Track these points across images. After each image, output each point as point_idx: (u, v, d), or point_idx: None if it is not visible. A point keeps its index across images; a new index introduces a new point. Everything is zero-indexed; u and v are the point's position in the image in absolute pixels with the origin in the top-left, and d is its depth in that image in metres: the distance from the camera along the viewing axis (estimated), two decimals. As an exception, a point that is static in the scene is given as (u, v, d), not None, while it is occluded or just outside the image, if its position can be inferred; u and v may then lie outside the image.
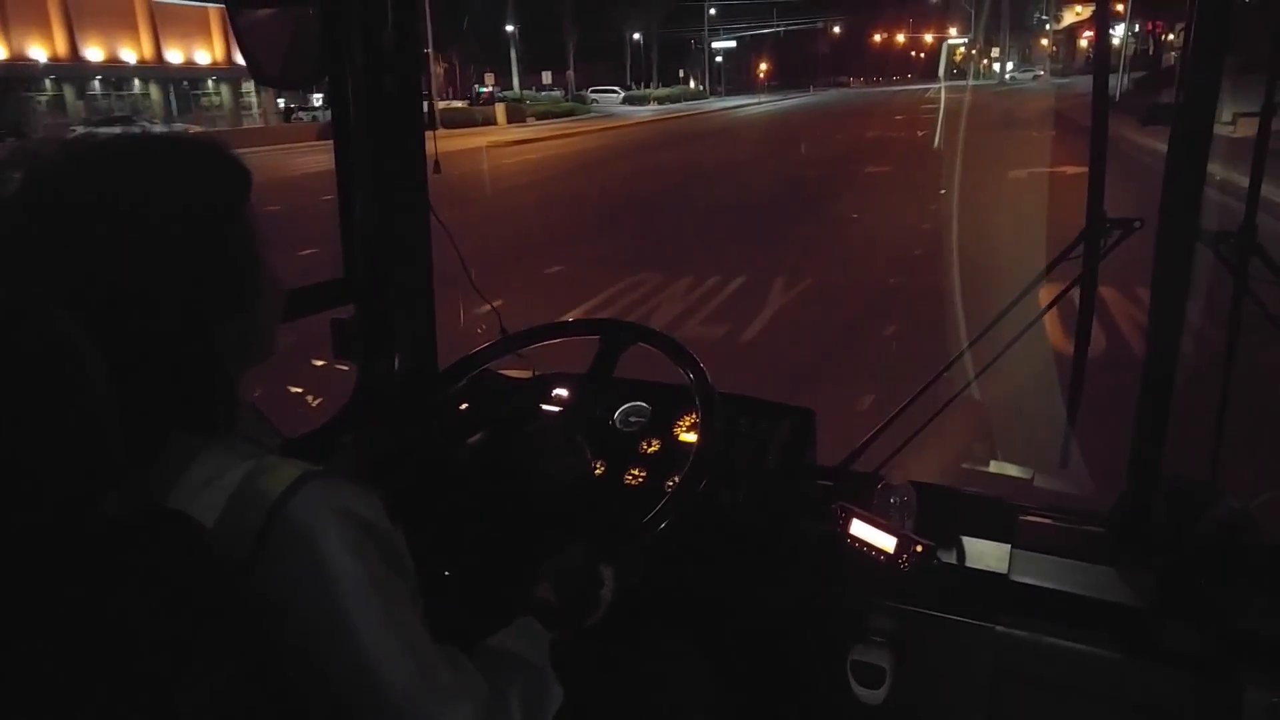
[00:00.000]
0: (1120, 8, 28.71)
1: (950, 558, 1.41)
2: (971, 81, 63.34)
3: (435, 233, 1.68)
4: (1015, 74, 66.44)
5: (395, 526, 0.88)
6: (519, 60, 47.96)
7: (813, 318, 6.06)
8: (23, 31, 30.49)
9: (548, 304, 6.33)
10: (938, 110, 28.98)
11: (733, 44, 69.16)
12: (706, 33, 64.59)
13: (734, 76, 71.08)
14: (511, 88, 48.00)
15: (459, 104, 39.42)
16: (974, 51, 73.80)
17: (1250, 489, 1.42)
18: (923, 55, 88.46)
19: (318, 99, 38.54)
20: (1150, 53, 34.40)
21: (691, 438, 1.54)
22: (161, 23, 35.54)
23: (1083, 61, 58.57)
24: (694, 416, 1.55)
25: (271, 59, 1.39)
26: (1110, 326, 5.11)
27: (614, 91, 53.07)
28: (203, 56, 38.11)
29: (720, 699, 1.31)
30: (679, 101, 54.48)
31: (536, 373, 1.73)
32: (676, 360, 1.42)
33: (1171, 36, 32.75)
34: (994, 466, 1.68)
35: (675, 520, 1.22)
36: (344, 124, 1.52)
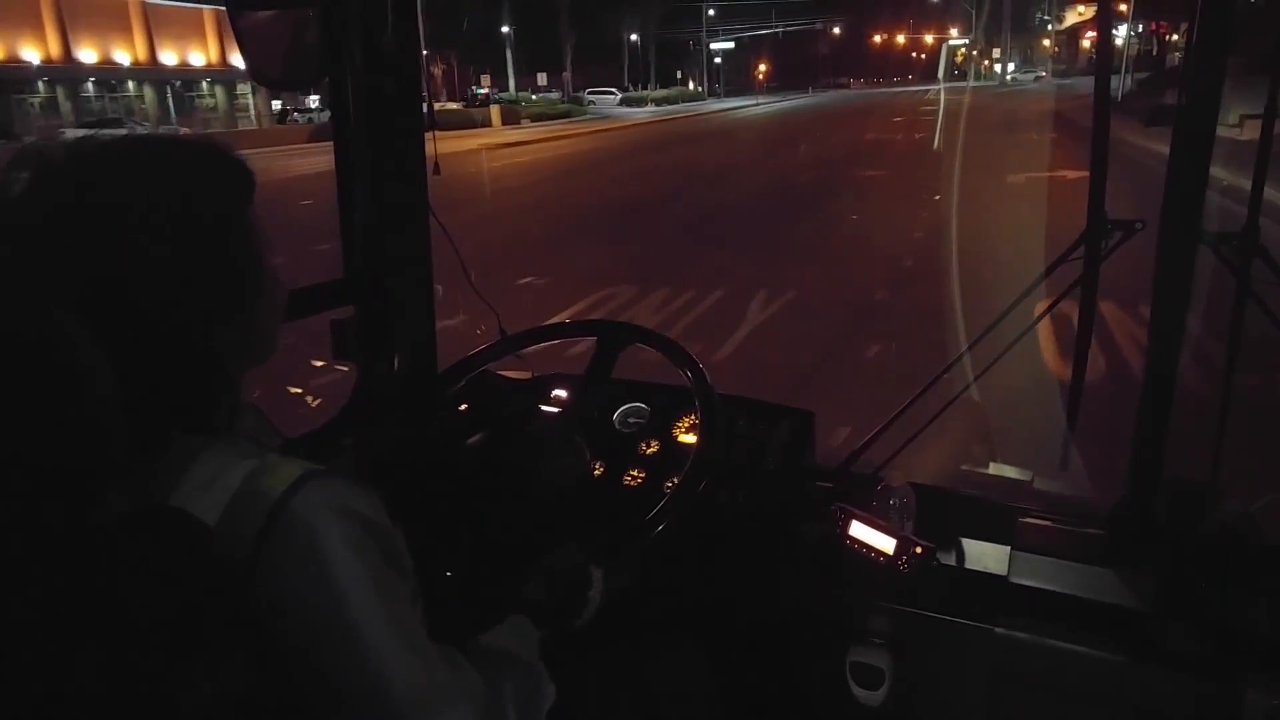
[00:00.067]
0: (1123, 8, 28.87)
1: (949, 559, 1.42)
2: (972, 83, 63.52)
3: (435, 233, 1.69)
4: (1016, 75, 66.66)
5: (395, 525, 0.89)
6: (517, 62, 48.12)
7: (791, 336, 5.73)
8: (15, 33, 30.51)
9: (508, 323, 5.94)
10: (937, 112, 28.93)
11: (731, 45, 69.21)
12: (705, 34, 64.72)
13: (733, 78, 71.12)
14: (508, 89, 48.12)
15: (454, 106, 39.47)
16: (975, 53, 74.01)
17: (1251, 491, 1.44)
18: (923, 56, 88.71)
19: (314, 100, 38.59)
20: (1153, 53, 34.51)
21: (691, 439, 1.55)
22: (155, 24, 35.58)
23: (1085, 62, 58.78)
24: (693, 417, 1.56)
25: (271, 60, 1.41)
26: (1109, 346, 4.84)
27: (611, 93, 53.15)
28: (197, 58, 38.15)
29: (719, 700, 1.32)
30: (676, 103, 54.56)
31: (535, 374, 1.75)
32: (676, 361, 1.44)
33: (1175, 37, 32.85)
34: (993, 468, 1.69)
35: (674, 521, 1.23)
36: (344, 125, 1.52)
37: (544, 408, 1.64)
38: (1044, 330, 3.66)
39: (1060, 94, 33.33)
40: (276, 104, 39.59)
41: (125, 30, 34.69)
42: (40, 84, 32.41)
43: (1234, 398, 1.53)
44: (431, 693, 0.82)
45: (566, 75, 53.17)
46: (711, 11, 64.37)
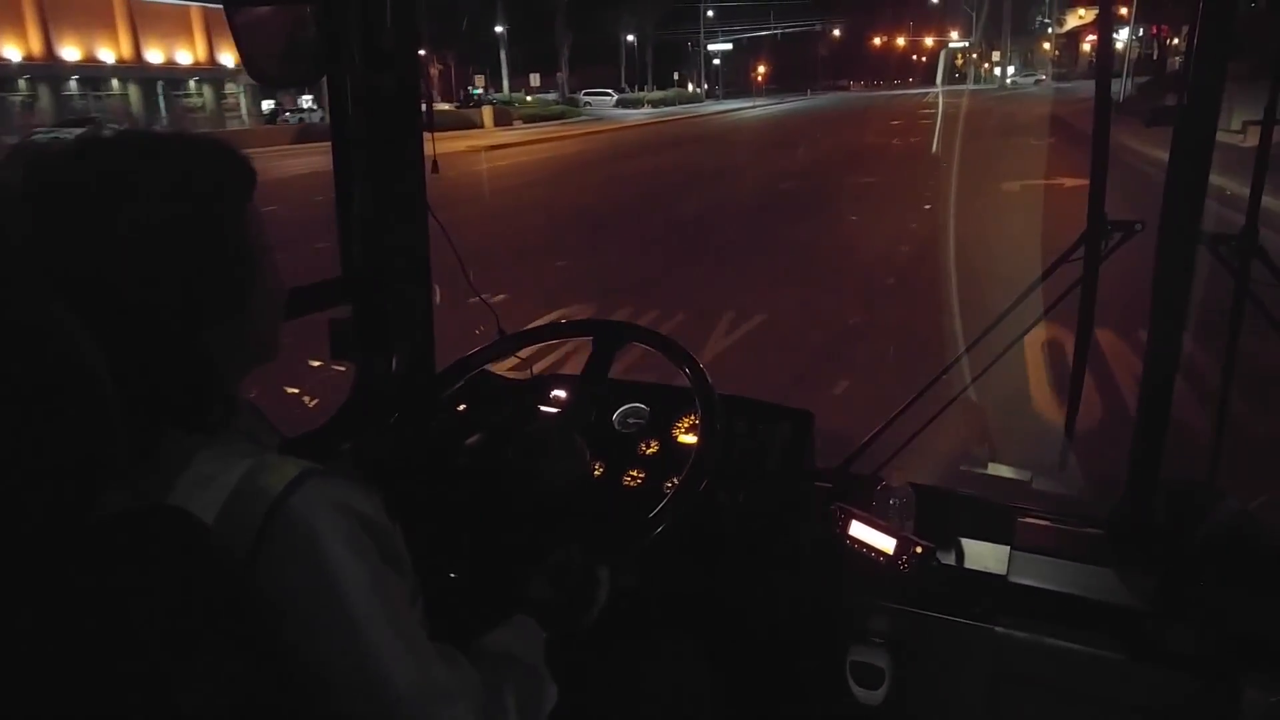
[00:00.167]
0: (1124, 11, 29.04)
1: (949, 559, 1.44)
2: (972, 86, 63.79)
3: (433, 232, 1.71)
4: (1016, 78, 67.02)
5: (394, 524, 0.90)
6: (515, 63, 48.09)
7: (753, 367, 5.16)
8: (-5, 30, 30.43)
9: (447, 349, 5.31)
10: (935, 116, 28.87)
11: (729, 46, 69.34)
12: (703, 35, 64.87)
13: (731, 79, 71.24)
14: (504, 90, 48.16)
15: (446, 107, 39.45)
16: (974, 56, 74.32)
17: (1250, 491, 1.46)
18: (923, 59, 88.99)
19: (307, 100, 38.51)
20: (1154, 57, 34.69)
21: (690, 439, 1.57)
22: (141, 22, 35.45)
23: (1085, 66, 59.15)
24: (693, 418, 1.58)
25: (269, 57, 1.41)
26: (1105, 379, 4.37)
27: (607, 94, 53.19)
28: (184, 56, 38.01)
29: (719, 700, 1.33)
30: (673, 105, 54.66)
31: (534, 373, 1.76)
32: (676, 361, 1.46)
33: (1176, 41, 33.03)
34: (992, 468, 1.72)
35: (675, 522, 1.25)
36: (342, 123, 1.54)
37: (543, 408, 1.65)
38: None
39: (1060, 98, 33.32)
40: (268, 104, 39.47)
41: (109, 27, 34.55)
42: (21, 82, 32.27)
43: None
44: (430, 691, 0.83)
45: (561, 76, 53.18)
46: (710, 13, 64.54)
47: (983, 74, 73.01)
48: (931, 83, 69.32)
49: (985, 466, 1.72)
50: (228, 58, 37.95)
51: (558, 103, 46.45)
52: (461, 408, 1.61)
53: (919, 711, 1.44)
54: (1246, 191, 1.47)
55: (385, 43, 1.50)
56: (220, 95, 39.87)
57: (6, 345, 0.61)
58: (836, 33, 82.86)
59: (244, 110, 39.79)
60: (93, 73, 34.66)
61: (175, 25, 37.06)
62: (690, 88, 66.22)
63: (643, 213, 12.13)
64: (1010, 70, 68.59)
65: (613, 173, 17.74)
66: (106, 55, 34.75)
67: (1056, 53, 70.30)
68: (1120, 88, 22.85)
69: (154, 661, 0.63)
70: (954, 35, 79.08)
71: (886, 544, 1.39)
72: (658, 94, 57.74)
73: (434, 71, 42.55)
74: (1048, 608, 1.36)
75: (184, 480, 0.80)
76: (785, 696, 1.54)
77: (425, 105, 1.66)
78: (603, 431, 1.62)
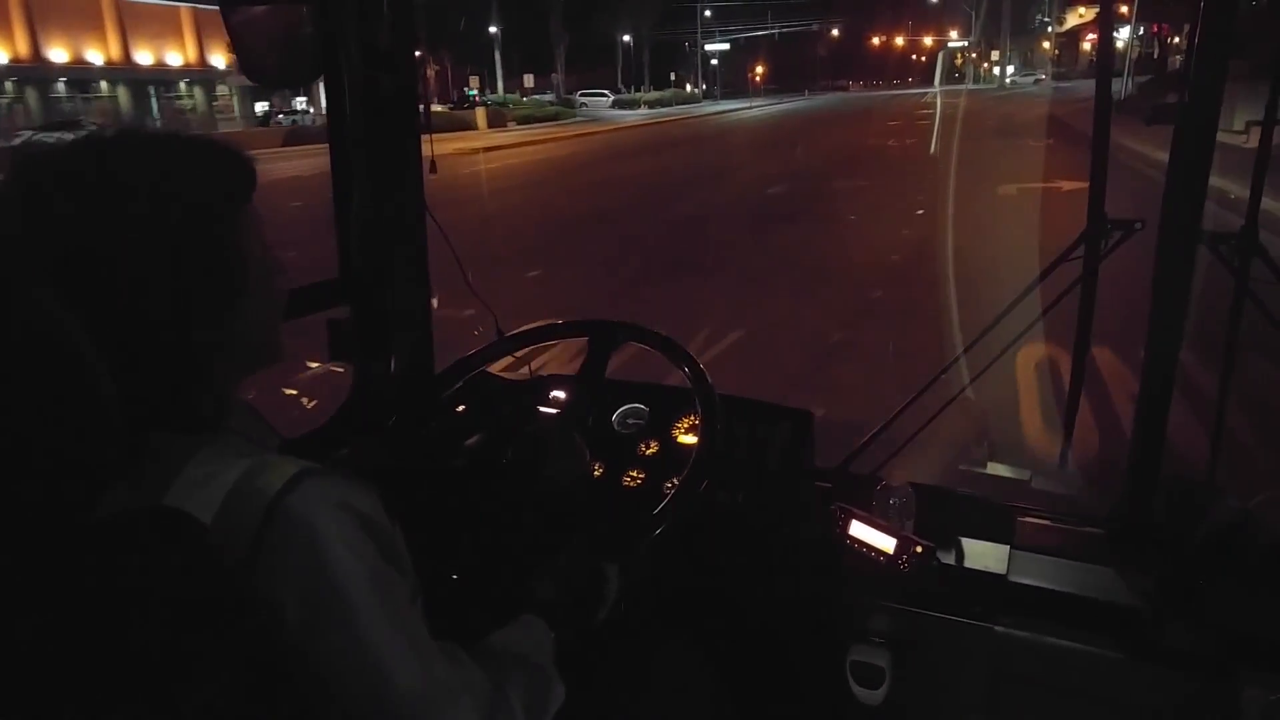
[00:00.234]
0: (1125, 10, 29.13)
1: (949, 559, 1.45)
2: (971, 86, 63.93)
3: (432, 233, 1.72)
4: (1016, 78, 67.18)
5: (393, 523, 0.90)
6: (512, 64, 48.10)
7: (723, 394, 4.79)
8: (-19, 32, 30.38)
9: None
10: (933, 116, 28.78)
11: (726, 46, 69.47)
12: (700, 35, 64.98)
13: (729, 80, 71.34)
14: (499, 91, 48.19)
15: (440, 108, 39.45)
16: (974, 55, 74.53)
17: (1249, 489, 1.47)
18: (923, 59, 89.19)
19: (300, 102, 38.45)
20: (1155, 56, 34.80)
21: (690, 439, 1.59)
22: (130, 23, 35.42)
23: (1085, 65, 59.32)
24: (692, 418, 1.60)
25: (266, 57, 1.41)
26: (1102, 405, 4.06)
27: (604, 95, 53.29)
28: (174, 58, 38.00)
29: (720, 699, 1.35)
30: (670, 105, 54.75)
31: (534, 373, 1.78)
32: (676, 361, 1.47)
33: (1177, 40, 33.14)
34: (991, 468, 1.73)
35: (676, 522, 1.27)
36: (340, 123, 1.55)
37: (542, 408, 1.67)
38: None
39: (1059, 97, 33.18)
40: (262, 105, 39.43)
41: (98, 29, 34.51)
42: (8, 84, 32.23)
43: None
44: (432, 689, 0.83)
45: (556, 76, 53.24)
46: (708, 13, 64.67)
47: (982, 74, 73.21)
48: (930, 82, 69.41)
49: (984, 466, 1.74)
50: (219, 59, 37.90)
51: (553, 104, 46.47)
52: (461, 408, 1.62)
53: (919, 711, 1.46)
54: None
55: (383, 42, 1.51)
56: (211, 97, 39.81)
57: (6, 345, 0.61)
58: (835, 33, 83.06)
59: (237, 112, 39.70)
60: (81, 74, 34.63)
61: (165, 26, 37.04)
62: (688, 88, 66.33)
63: (626, 218, 11.81)
64: (1010, 70, 68.78)
65: (601, 176, 17.48)
66: (95, 57, 34.72)
67: (1056, 52, 70.50)
68: (1121, 87, 22.92)
69: (154, 663, 0.63)
70: (953, 35, 79.32)
71: (886, 543, 1.40)
72: (654, 95, 57.84)
73: (430, 73, 42.52)
74: (1048, 607, 1.37)
75: (181, 480, 0.80)
76: (785, 696, 1.55)
77: (423, 106, 1.67)
78: (602, 432, 1.63)
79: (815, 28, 79.08)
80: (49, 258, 0.76)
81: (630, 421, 1.67)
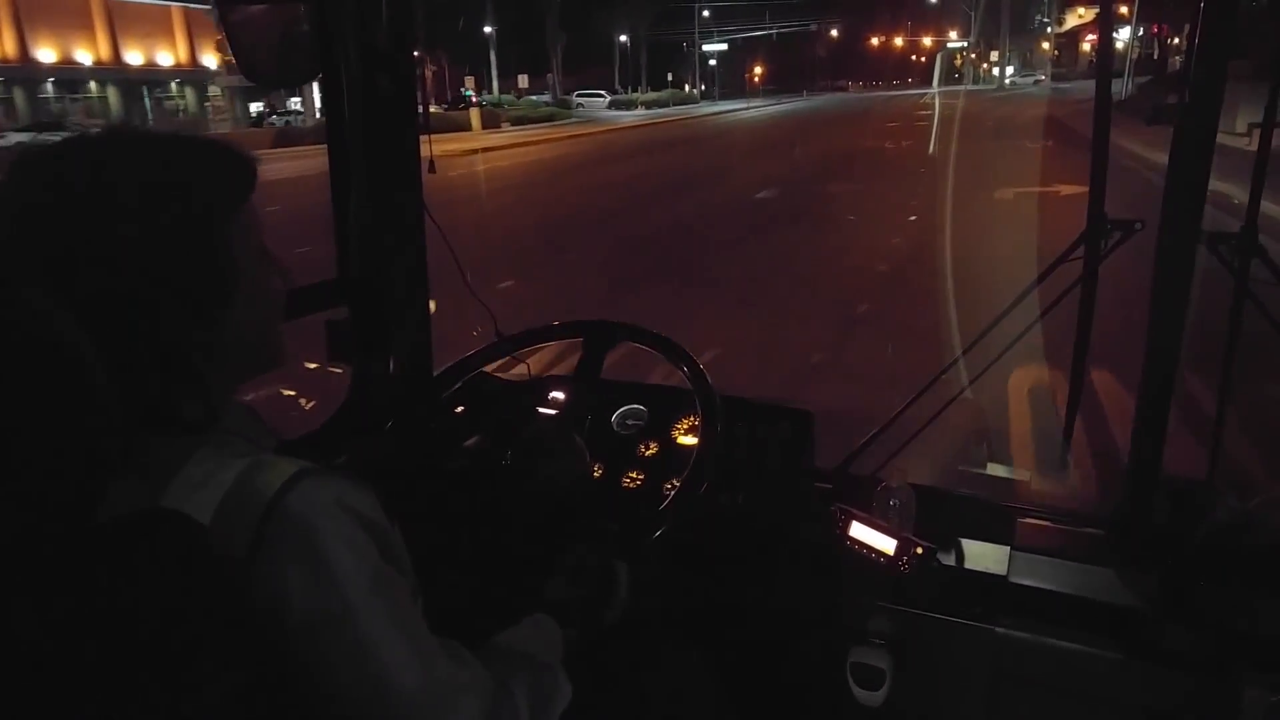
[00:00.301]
0: (1124, 10, 29.23)
1: (949, 560, 1.46)
2: (970, 86, 64.07)
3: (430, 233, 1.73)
4: (1015, 79, 67.41)
5: (392, 523, 0.90)
6: (507, 64, 48.11)
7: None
8: (-31, 32, 30.32)
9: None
10: (931, 117, 28.74)
11: (724, 47, 69.56)
12: (697, 35, 65.06)
13: (727, 80, 71.41)
14: (494, 92, 48.20)
15: (435, 109, 39.40)
16: (973, 56, 74.73)
17: (1250, 489, 1.49)
18: (922, 59, 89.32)
19: (294, 103, 38.39)
20: (1155, 57, 34.93)
21: (689, 440, 1.60)
22: (120, 22, 35.36)
23: (1085, 66, 59.49)
24: (692, 419, 1.61)
25: (264, 57, 1.41)
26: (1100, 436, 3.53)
27: (600, 95, 53.36)
28: (165, 58, 37.95)
29: (719, 701, 1.36)
30: (667, 106, 54.78)
31: (532, 373, 1.79)
32: (675, 362, 1.48)
33: (1177, 40, 33.25)
34: (990, 468, 1.74)
35: (679, 522, 1.28)
36: (338, 122, 1.55)
37: (542, 410, 1.68)
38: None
39: (1058, 98, 33.15)
40: (257, 106, 39.36)
41: (87, 28, 34.45)
42: (-4, 85, 32.20)
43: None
44: (434, 687, 0.84)
45: (551, 77, 53.29)
46: (706, 13, 64.76)
47: (981, 74, 73.42)
48: (930, 83, 69.51)
49: (984, 467, 1.75)
50: (210, 59, 37.88)
51: (549, 105, 46.50)
52: (460, 409, 1.63)
53: (920, 712, 1.47)
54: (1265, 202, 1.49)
55: (382, 42, 1.52)
56: (203, 97, 39.75)
57: (6, 345, 0.62)
58: (834, 33, 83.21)
59: (230, 113, 39.61)
60: (70, 75, 34.57)
61: (155, 26, 37.00)
62: (686, 89, 66.41)
63: (609, 224, 11.53)
64: (1009, 70, 68.98)
65: (590, 179, 17.27)
66: (84, 57, 34.66)
67: (1056, 52, 70.71)
68: (1121, 87, 22.97)
69: (154, 666, 0.63)
70: (953, 35, 79.53)
71: (887, 545, 1.41)
72: (651, 95, 57.89)
73: (427, 73, 42.48)
74: (1048, 608, 1.38)
75: (179, 482, 0.80)
76: (786, 697, 1.56)
77: (422, 106, 1.68)
78: (602, 433, 1.64)
79: (814, 28, 79.29)
80: (40, 258, 0.77)
81: (630, 423, 1.69)
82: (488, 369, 1.68)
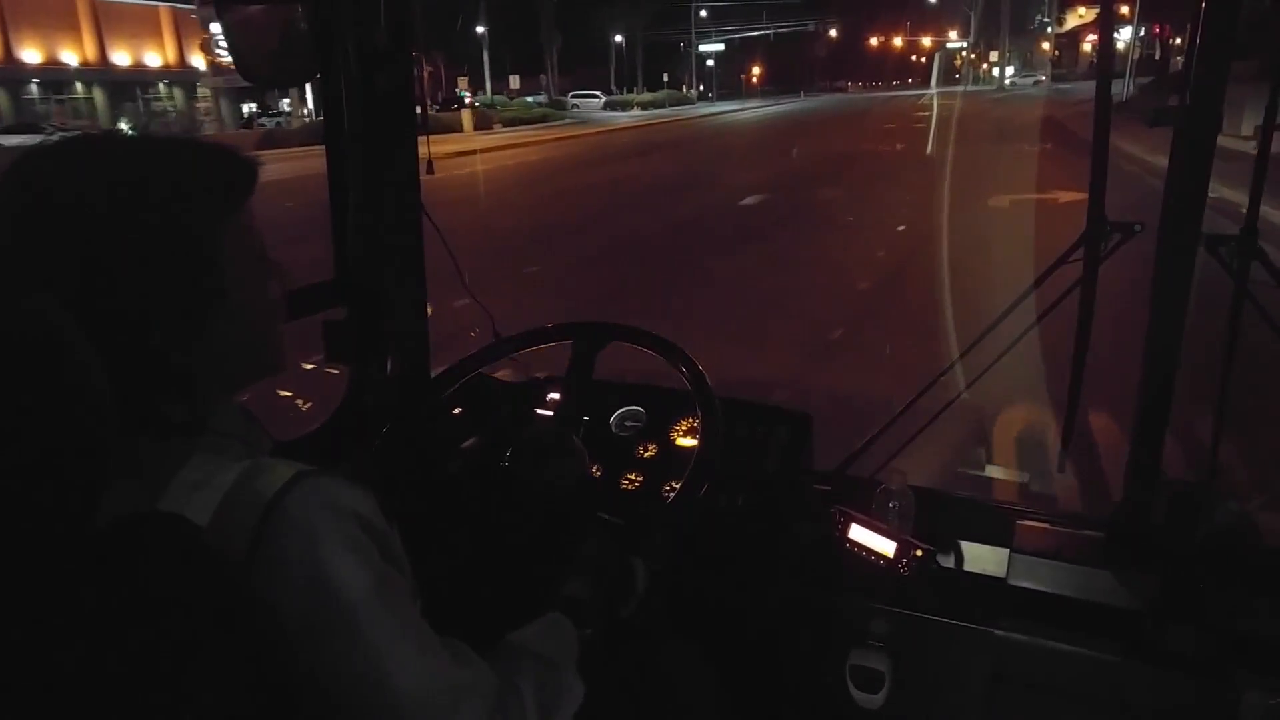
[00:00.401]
0: (1125, 10, 29.33)
1: (948, 562, 1.48)
2: (970, 87, 64.22)
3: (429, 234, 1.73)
4: (1015, 79, 67.67)
5: (390, 524, 0.91)
6: (502, 64, 48.06)
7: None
8: (-48, 32, 30.22)
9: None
10: (930, 118, 28.63)
11: (721, 47, 69.65)
12: (694, 35, 65.16)
13: (725, 80, 71.51)
14: (487, 93, 48.21)
15: (430, 110, 39.34)
16: (973, 56, 74.95)
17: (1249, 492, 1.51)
18: (922, 59, 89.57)
19: (287, 104, 38.31)
20: (1156, 57, 35.04)
21: (688, 442, 1.61)
22: (106, 23, 35.30)
23: (1086, 66, 59.71)
24: (690, 421, 1.63)
25: (261, 56, 1.42)
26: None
27: (595, 96, 53.40)
28: (153, 59, 37.89)
29: (719, 703, 1.37)
30: (663, 107, 54.76)
31: (531, 375, 1.80)
32: (675, 364, 1.50)
33: (1178, 41, 33.36)
34: (989, 471, 1.76)
35: (679, 523, 1.29)
36: (336, 123, 1.56)
37: (540, 411, 1.69)
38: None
39: (1058, 99, 33.02)
40: (250, 107, 39.26)
41: (73, 29, 34.37)
42: (-20, 85, 32.10)
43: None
44: (439, 687, 0.84)
45: (545, 77, 53.32)
46: (703, 13, 64.88)
47: (981, 75, 73.66)
48: (929, 84, 69.61)
49: (983, 469, 1.77)
50: (199, 60, 37.82)
51: (542, 105, 46.51)
52: (457, 411, 1.64)
53: (919, 715, 1.48)
54: (1267, 211, 1.50)
55: (380, 41, 1.53)
56: (192, 98, 39.66)
57: (6, 345, 0.62)
58: (832, 33, 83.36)
59: (219, 114, 39.51)
60: (55, 76, 34.47)
61: (142, 26, 36.94)
62: (683, 89, 66.48)
63: (586, 233, 11.00)
64: (1009, 71, 69.21)
65: (575, 183, 16.88)
66: (70, 58, 34.56)
67: (1056, 53, 70.92)
68: (1122, 88, 23.03)
69: (153, 671, 0.63)
70: (952, 35, 79.72)
71: (886, 547, 1.43)
72: (648, 96, 57.84)
73: (426, 74, 42.37)
74: (1048, 610, 1.39)
75: (176, 484, 0.80)
76: (785, 700, 1.57)
77: (420, 107, 1.69)
78: (600, 435, 1.66)
79: (812, 28, 79.42)
80: (31, 264, 0.78)
81: (628, 424, 1.70)
82: (485, 370, 1.69)
